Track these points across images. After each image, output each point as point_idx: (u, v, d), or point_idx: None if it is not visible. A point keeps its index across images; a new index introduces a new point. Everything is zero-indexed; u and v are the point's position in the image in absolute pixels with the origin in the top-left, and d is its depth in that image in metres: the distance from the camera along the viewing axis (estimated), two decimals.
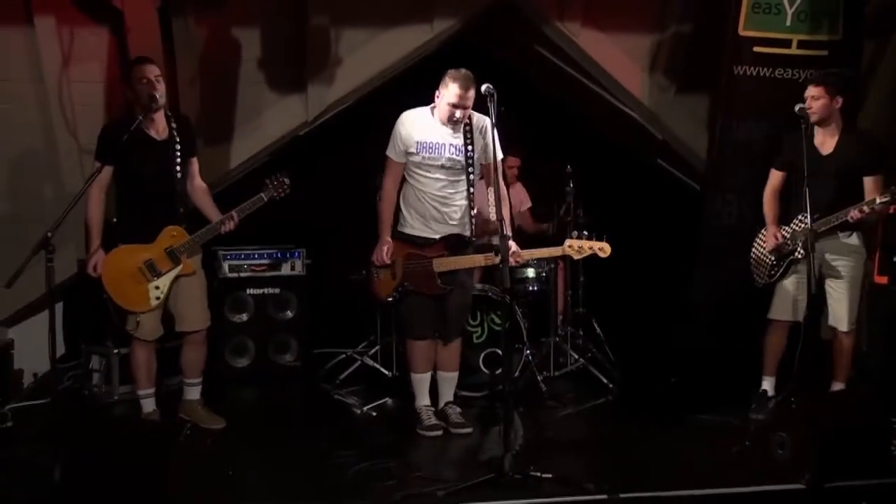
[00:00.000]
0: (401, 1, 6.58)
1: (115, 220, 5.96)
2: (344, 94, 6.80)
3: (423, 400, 5.42)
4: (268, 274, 6.69)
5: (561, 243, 5.18)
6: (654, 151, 7.67)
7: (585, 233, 5.23)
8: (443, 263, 5.15)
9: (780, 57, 6.27)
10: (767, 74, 6.28)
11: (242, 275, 6.65)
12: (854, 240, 5.39)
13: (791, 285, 5.45)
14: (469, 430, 5.26)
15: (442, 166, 5.13)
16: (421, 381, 5.41)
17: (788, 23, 6.26)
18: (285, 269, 6.72)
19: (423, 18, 6.63)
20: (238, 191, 5.96)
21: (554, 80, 7.56)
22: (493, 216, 4.84)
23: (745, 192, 6.08)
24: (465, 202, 5.23)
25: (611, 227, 6.06)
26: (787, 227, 5.47)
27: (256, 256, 6.68)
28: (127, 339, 5.38)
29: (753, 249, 5.68)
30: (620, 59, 7.02)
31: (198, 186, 5.39)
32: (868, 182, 5.30)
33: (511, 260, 4.96)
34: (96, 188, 5.12)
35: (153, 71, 5.14)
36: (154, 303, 5.11)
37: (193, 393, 5.45)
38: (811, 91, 5.33)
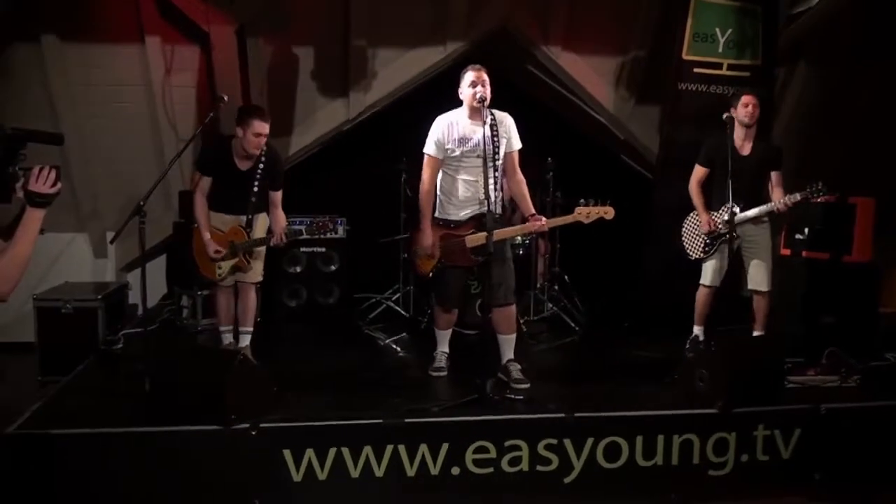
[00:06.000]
0: (421, 27, 6.55)
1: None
2: (377, 99, 6.77)
3: (442, 347, 5.05)
4: (316, 236, 6.60)
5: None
6: (617, 148, 7.57)
7: (592, 200, 4.58)
8: (473, 240, 4.64)
9: (713, 76, 6.22)
10: (704, 90, 6.22)
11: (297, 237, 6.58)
12: (766, 222, 5.33)
13: (719, 259, 5.34)
14: (527, 385, 4.60)
15: (477, 155, 4.56)
16: (442, 335, 5.05)
17: (720, 49, 6.21)
18: (330, 233, 6.64)
19: (438, 41, 6.60)
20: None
21: (541, 90, 7.47)
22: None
23: (687, 182, 5.89)
24: (494, 185, 4.53)
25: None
26: (716, 214, 5.35)
27: (309, 223, 6.59)
28: (209, 284, 5.35)
29: (685, 229, 5.56)
30: (592, 76, 6.97)
31: (278, 216, 5.06)
32: (774, 175, 5.31)
33: (539, 226, 4.61)
34: (199, 194, 4.97)
35: (265, 129, 4.81)
36: (217, 277, 5.04)
37: (244, 340, 5.15)
38: (754, 100, 5.21)
